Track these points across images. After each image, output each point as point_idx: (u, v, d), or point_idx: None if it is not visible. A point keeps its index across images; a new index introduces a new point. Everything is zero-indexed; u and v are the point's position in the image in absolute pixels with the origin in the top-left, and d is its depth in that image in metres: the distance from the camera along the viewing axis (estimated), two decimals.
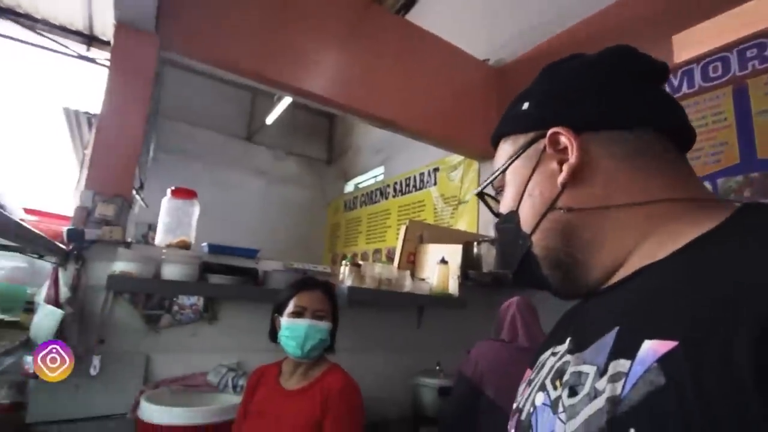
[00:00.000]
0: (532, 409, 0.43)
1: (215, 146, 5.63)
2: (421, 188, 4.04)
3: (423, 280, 2.14)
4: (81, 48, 3.17)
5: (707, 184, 1.81)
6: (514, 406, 0.49)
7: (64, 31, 3.09)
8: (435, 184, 3.85)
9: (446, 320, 2.29)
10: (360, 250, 4.80)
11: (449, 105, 2.84)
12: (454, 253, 2.14)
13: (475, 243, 2.26)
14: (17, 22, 2.87)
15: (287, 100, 4.56)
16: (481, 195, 0.56)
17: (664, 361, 0.28)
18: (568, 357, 0.40)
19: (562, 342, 0.44)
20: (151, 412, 1.37)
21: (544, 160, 0.46)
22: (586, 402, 0.33)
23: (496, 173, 0.51)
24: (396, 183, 4.44)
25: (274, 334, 1.21)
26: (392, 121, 2.63)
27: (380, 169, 5.14)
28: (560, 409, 0.37)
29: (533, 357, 0.51)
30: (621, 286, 0.41)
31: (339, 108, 2.54)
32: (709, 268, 0.32)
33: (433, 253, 2.21)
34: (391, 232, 4.28)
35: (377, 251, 4.43)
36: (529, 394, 0.45)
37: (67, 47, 3.19)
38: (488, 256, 2.21)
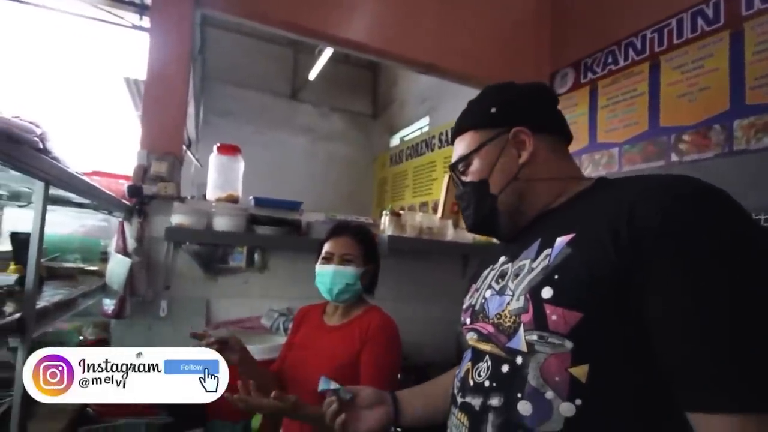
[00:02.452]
0: (483, 301, 0.66)
1: (261, 106, 5.72)
2: None
3: None
4: (135, 18, 3.26)
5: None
6: (465, 305, 0.71)
7: (117, 1, 3.19)
8: None
9: None
10: (407, 203, 4.78)
11: (496, 42, 2.61)
12: None
13: None
14: None
15: (328, 53, 4.47)
16: (453, 168, 0.73)
17: (569, 242, 0.55)
18: (506, 265, 0.65)
19: (496, 262, 0.69)
20: None
21: (508, 147, 0.67)
22: (526, 275, 0.58)
23: (471, 153, 0.69)
24: (441, 133, 4.28)
25: None
26: (432, 64, 2.49)
27: (425, 120, 4.97)
28: (507, 291, 0.60)
29: (473, 277, 0.76)
30: (534, 222, 0.67)
31: (377, 54, 2.44)
32: (583, 204, 0.61)
33: None
34: (437, 184, 4.19)
35: (424, 204, 4.39)
36: (479, 295, 0.68)
37: (122, 18, 3.30)
38: None
